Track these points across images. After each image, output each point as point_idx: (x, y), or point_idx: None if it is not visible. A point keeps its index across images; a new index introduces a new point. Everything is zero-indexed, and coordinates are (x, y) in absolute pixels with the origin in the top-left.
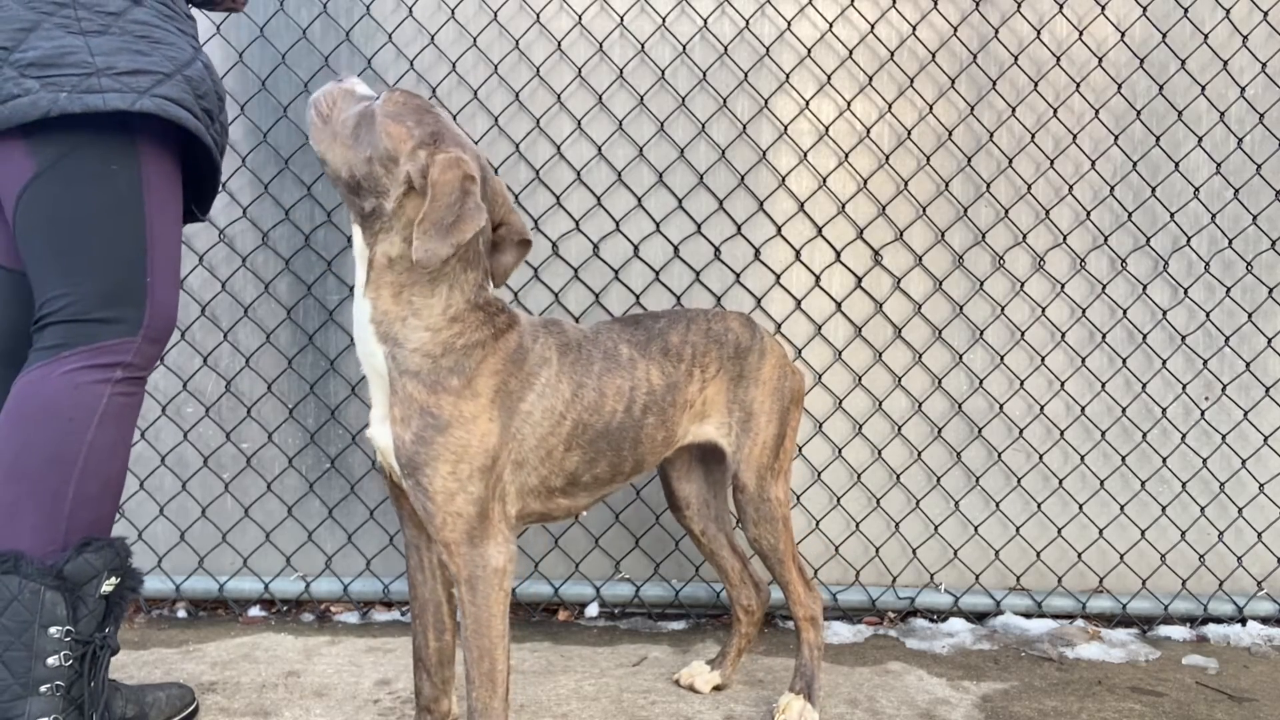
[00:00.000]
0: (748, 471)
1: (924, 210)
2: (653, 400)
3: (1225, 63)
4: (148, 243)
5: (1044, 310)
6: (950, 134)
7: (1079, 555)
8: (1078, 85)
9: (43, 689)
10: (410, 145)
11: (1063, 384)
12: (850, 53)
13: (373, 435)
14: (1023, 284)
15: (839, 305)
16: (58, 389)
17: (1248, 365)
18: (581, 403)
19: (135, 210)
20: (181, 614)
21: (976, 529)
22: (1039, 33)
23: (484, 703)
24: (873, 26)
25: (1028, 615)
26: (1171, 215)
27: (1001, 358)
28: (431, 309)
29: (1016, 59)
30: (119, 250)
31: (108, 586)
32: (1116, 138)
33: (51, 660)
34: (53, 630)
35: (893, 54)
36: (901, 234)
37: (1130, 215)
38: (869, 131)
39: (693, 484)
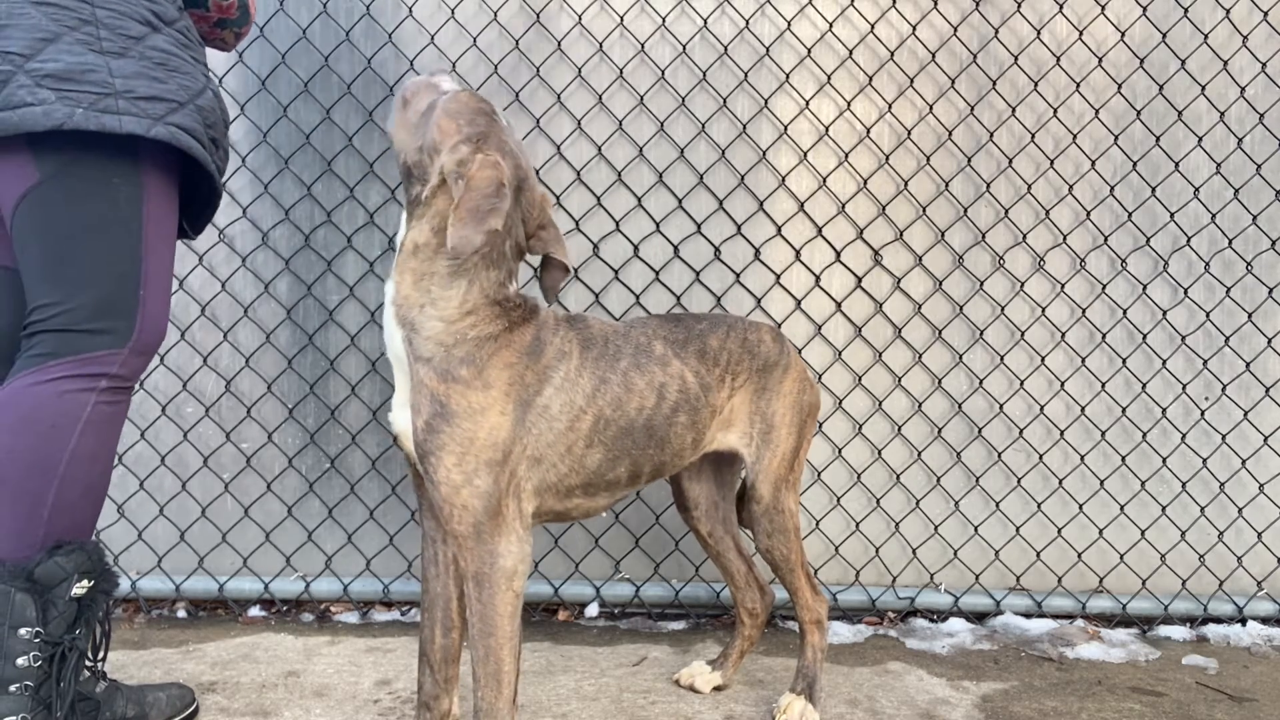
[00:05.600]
0: (765, 483)
1: (924, 210)
2: (684, 399)
3: (1225, 63)
4: (143, 257)
5: (1044, 310)
6: (950, 134)
7: (1079, 555)
8: (1078, 85)
9: (12, 688)
10: (454, 140)
11: (1063, 384)
12: (850, 53)
13: (392, 420)
14: (1023, 284)
15: (839, 305)
16: (42, 397)
17: (1248, 365)
18: (604, 398)
19: (133, 226)
20: (181, 614)
21: (976, 529)
22: (1039, 33)
23: (489, 703)
24: (873, 26)
25: (1028, 615)
26: (1171, 215)
27: (1001, 358)
28: (449, 300)
29: (1016, 59)
30: (114, 264)
31: (79, 589)
32: (1116, 138)
33: (21, 661)
34: (22, 631)
35: (893, 54)
36: (901, 234)
37: (1130, 215)
38: (869, 131)
39: (703, 485)
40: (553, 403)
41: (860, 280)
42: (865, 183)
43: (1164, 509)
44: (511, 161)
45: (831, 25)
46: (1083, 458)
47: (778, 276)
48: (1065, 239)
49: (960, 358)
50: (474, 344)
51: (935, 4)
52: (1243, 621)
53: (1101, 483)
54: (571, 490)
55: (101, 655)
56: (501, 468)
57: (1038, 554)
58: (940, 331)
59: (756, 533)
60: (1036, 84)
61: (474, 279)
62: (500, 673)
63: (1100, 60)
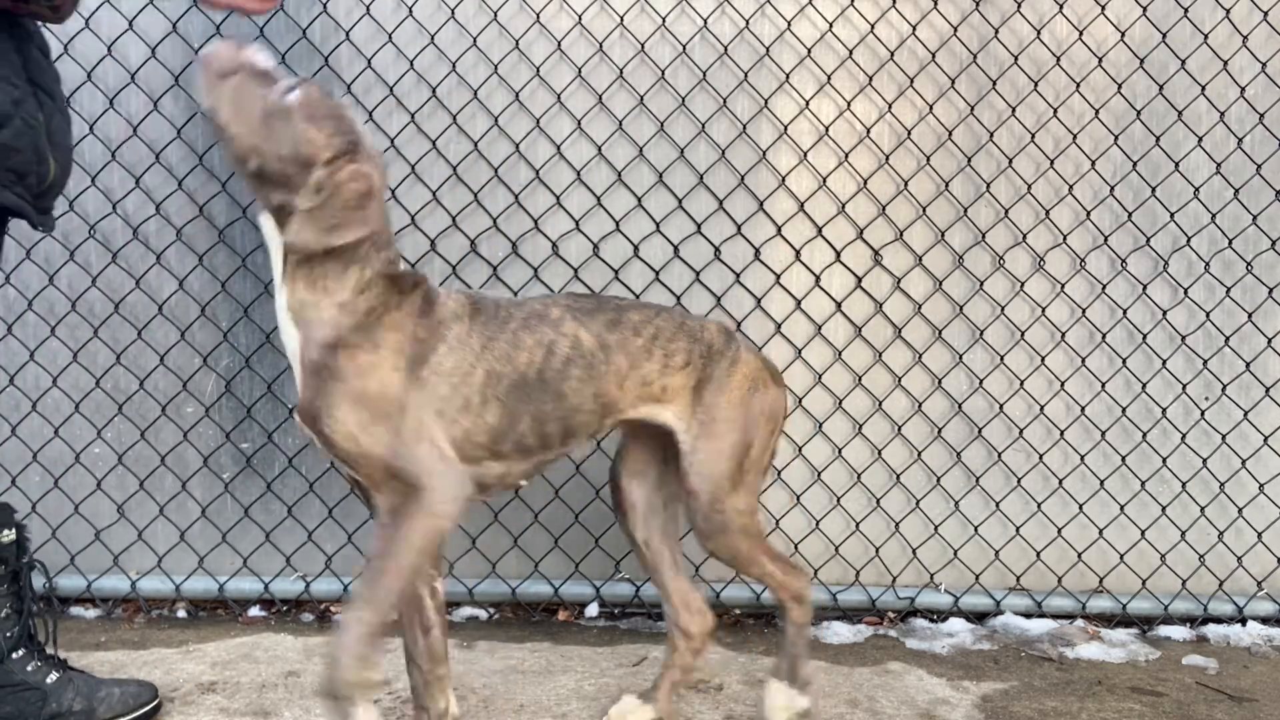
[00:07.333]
0: (699, 477)
1: (924, 210)
2: (578, 354)
3: (1225, 63)
4: None
5: (1044, 310)
6: (950, 134)
7: (1079, 555)
8: (1078, 85)
9: None
10: (328, 155)
11: (1063, 384)
12: (850, 53)
13: (300, 422)
14: (1023, 284)
15: (839, 305)
16: None
17: (1248, 365)
18: (492, 354)
19: None
20: (181, 614)
21: (976, 529)
22: (1039, 33)
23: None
24: (873, 26)
25: (1028, 615)
26: (1171, 215)
27: (1001, 358)
28: (345, 286)
29: (1016, 59)
30: None
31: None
32: (1116, 138)
33: None
34: None
35: (893, 54)
36: (901, 234)
37: (1130, 215)
38: (869, 131)
39: (644, 487)
40: (446, 360)
41: (860, 280)
42: (865, 183)
43: (1164, 509)
44: (379, 167)
45: (831, 25)
46: (1083, 458)
47: (778, 276)
48: (1065, 239)
49: (960, 358)
50: (365, 314)
51: (935, 4)
52: (1243, 621)
53: (1101, 483)
54: (480, 449)
55: (47, 639)
56: (400, 418)
57: (1038, 554)
58: (940, 331)
59: (697, 534)
60: (1036, 84)
61: (366, 264)
62: (378, 588)
63: (1100, 60)
